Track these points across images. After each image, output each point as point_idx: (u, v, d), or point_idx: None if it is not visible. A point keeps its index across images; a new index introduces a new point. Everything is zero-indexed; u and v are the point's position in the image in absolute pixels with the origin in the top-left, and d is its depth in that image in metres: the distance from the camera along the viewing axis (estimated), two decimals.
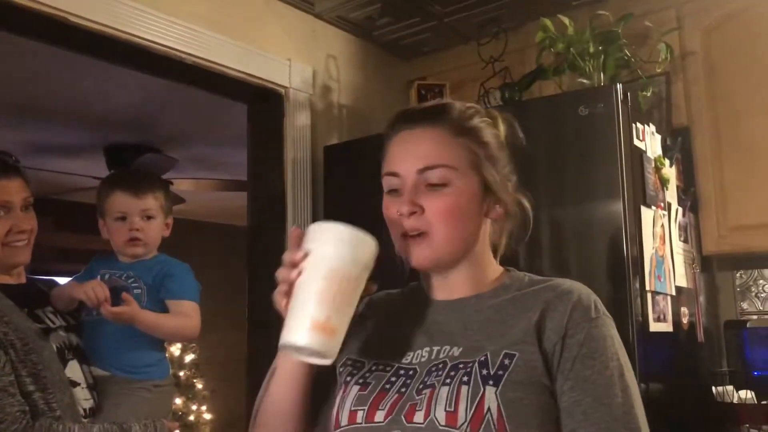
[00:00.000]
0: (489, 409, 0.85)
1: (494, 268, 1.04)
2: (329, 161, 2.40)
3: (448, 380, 0.90)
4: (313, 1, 2.47)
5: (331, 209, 2.36)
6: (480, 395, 0.86)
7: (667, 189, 2.00)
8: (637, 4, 2.24)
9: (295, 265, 0.90)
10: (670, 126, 2.22)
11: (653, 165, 1.94)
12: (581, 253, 1.87)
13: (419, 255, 0.98)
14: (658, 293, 1.86)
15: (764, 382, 2.10)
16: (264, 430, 1.03)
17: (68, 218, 4.79)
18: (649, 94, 2.07)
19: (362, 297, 0.94)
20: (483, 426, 0.85)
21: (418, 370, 0.96)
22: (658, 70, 2.17)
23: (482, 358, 0.91)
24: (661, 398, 1.83)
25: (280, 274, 0.92)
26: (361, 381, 0.97)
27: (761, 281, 2.37)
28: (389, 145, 1.02)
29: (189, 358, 5.35)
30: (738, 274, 2.40)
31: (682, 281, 2.02)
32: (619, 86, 1.83)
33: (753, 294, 2.37)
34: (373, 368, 0.99)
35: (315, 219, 2.41)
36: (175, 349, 5.17)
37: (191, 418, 5.21)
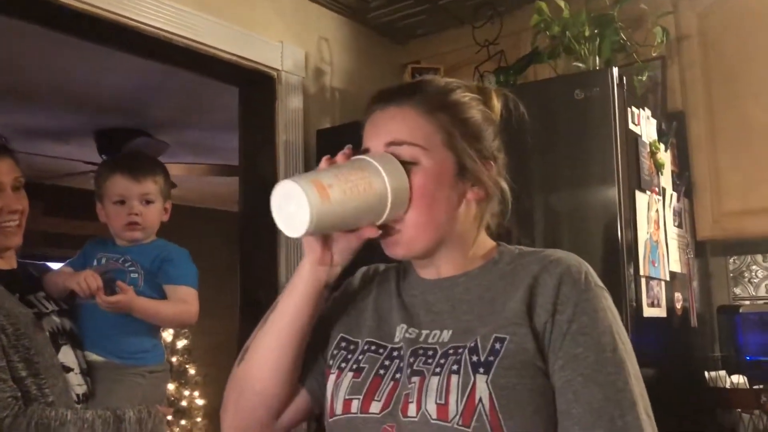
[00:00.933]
0: (480, 399, 0.83)
1: (484, 245, 1.00)
2: (322, 145, 2.37)
3: (438, 369, 0.88)
4: None
5: None
6: (471, 385, 0.84)
7: (662, 174, 1.99)
8: None
9: (347, 156, 0.93)
10: (665, 110, 2.21)
11: (648, 149, 1.93)
12: (575, 238, 1.86)
13: (391, 245, 0.95)
14: (652, 278, 1.85)
15: (756, 366, 2.10)
16: (253, 363, 0.99)
17: (59, 203, 4.75)
18: (644, 78, 2.06)
19: (359, 235, 0.92)
20: (475, 418, 0.82)
21: (403, 348, 0.93)
22: (654, 54, 2.15)
23: (472, 344, 0.88)
24: (654, 383, 1.82)
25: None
26: (355, 366, 0.95)
27: (754, 267, 2.37)
28: (364, 126, 0.99)
29: (181, 343, 5.34)
30: (731, 260, 2.41)
31: (676, 266, 2.02)
32: (614, 70, 1.82)
33: (746, 279, 2.38)
34: (366, 349, 0.97)
35: None
36: (168, 335, 5.16)
37: (184, 403, 5.21)
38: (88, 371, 1.58)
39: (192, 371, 5.33)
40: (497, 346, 0.87)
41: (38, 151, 4.29)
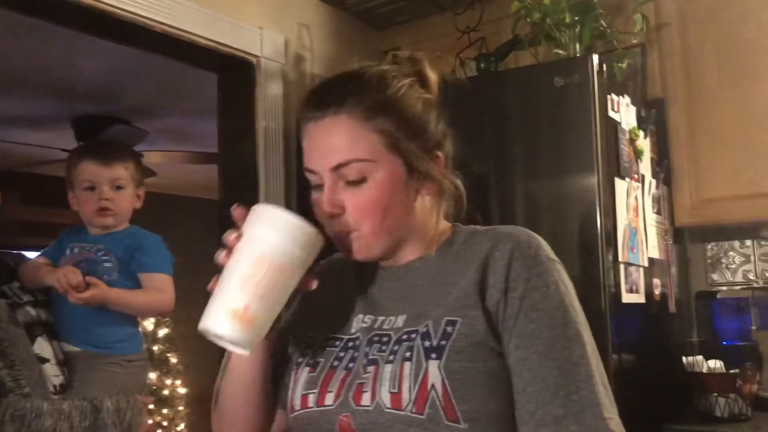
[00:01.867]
0: (433, 385, 0.82)
1: (441, 229, 0.98)
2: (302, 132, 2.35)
3: (391, 357, 0.86)
4: None
5: (303, 180, 2.33)
6: (423, 371, 0.83)
7: (641, 161, 2.00)
8: None
9: (227, 246, 0.84)
10: (645, 97, 2.22)
11: (628, 136, 1.94)
12: (555, 224, 1.87)
13: (348, 252, 0.93)
14: (631, 264, 1.87)
15: (733, 351, 2.13)
16: (225, 411, 0.99)
17: (35, 191, 4.68)
18: (624, 66, 2.06)
19: (298, 291, 0.88)
20: (428, 404, 0.81)
21: (360, 337, 0.92)
22: (634, 41, 2.16)
23: (424, 329, 0.87)
24: (632, 368, 1.85)
25: (216, 255, 0.86)
26: (311, 362, 0.94)
27: (731, 253, 2.40)
28: (302, 135, 0.94)
29: (163, 332, 5.31)
30: (709, 246, 2.43)
31: (654, 253, 2.04)
32: (594, 57, 1.82)
33: (723, 265, 2.40)
34: (322, 343, 0.96)
35: (288, 191, 2.37)
36: (149, 324, 5.13)
37: (166, 392, 5.18)
38: (66, 362, 1.57)
39: (174, 360, 5.30)
40: (449, 329, 0.86)
41: (13, 139, 4.22)
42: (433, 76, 0.97)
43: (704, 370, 2.01)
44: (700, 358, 2.06)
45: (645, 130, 2.04)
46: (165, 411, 5.17)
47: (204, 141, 4.23)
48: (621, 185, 1.85)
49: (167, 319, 5.25)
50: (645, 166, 2.03)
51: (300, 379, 0.93)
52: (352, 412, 0.86)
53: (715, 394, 1.94)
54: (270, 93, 2.38)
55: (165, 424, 5.13)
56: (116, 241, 1.70)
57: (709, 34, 2.17)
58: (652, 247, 2.02)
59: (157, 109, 3.88)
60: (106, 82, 3.46)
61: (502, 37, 2.36)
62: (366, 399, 0.86)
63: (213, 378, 1.03)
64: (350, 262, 1.03)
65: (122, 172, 1.73)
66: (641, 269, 1.93)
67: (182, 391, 5.30)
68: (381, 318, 0.93)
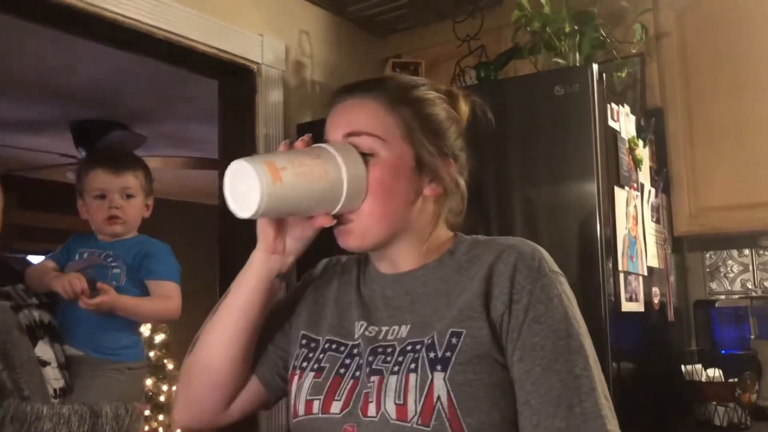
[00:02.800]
0: (439, 397, 0.83)
1: (442, 237, 0.99)
2: None
3: (396, 368, 0.87)
4: None
5: None
6: (429, 383, 0.84)
7: (640, 170, 2.01)
8: None
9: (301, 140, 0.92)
10: (644, 107, 2.23)
11: (627, 146, 1.94)
12: (554, 233, 1.87)
13: (343, 234, 0.94)
14: (630, 273, 1.87)
15: (731, 360, 2.13)
16: (199, 359, 0.99)
17: (32, 196, 4.67)
18: (623, 75, 2.07)
19: (313, 224, 0.92)
20: (434, 416, 0.82)
21: (362, 345, 0.93)
22: (633, 51, 2.17)
23: (429, 341, 0.87)
24: (631, 377, 1.85)
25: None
26: (316, 366, 0.94)
27: (730, 262, 2.40)
28: (326, 121, 0.98)
29: (159, 338, 5.29)
30: (708, 255, 2.44)
31: (653, 261, 2.04)
32: (594, 66, 1.83)
33: (722, 274, 2.41)
34: (326, 347, 0.96)
35: None
36: (145, 329, 5.11)
37: (162, 398, 5.16)
38: (67, 365, 1.57)
39: (170, 366, 5.29)
40: (453, 341, 0.86)
41: (11, 143, 4.22)
42: (464, 108, 1.02)
43: (703, 379, 2.01)
44: (699, 366, 2.06)
45: (644, 139, 2.05)
46: (161, 417, 5.15)
47: (201, 145, 4.24)
48: (620, 194, 1.86)
49: (163, 324, 5.24)
50: (644, 175, 2.04)
51: (304, 384, 0.93)
52: (359, 422, 0.86)
53: (714, 403, 1.95)
54: (270, 99, 2.38)
55: (161, 430, 5.10)
56: (125, 248, 1.72)
57: (708, 44, 2.19)
58: (651, 256, 2.03)
59: (154, 113, 3.89)
60: (105, 87, 3.47)
61: (502, 45, 2.37)
62: (372, 410, 0.86)
63: None
64: (353, 266, 1.04)
65: (132, 181, 1.75)
66: (640, 278, 1.93)
67: None
68: (384, 328, 0.94)
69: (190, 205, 5.91)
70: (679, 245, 2.33)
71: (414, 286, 0.96)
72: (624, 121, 1.94)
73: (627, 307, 1.83)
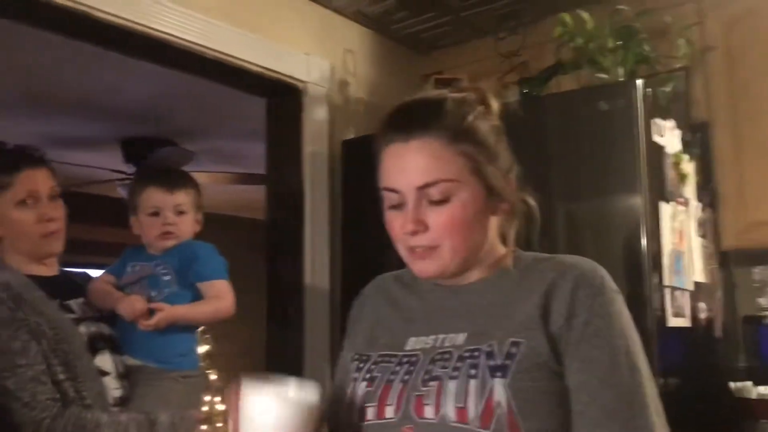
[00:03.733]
0: (499, 402, 0.86)
1: (501, 252, 1.02)
2: (347, 156, 2.41)
3: (455, 373, 0.90)
4: None
5: (348, 203, 2.38)
6: (489, 389, 0.87)
7: (686, 184, 2.00)
8: None
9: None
10: (689, 121, 2.21)
11: (672, 160, 1.93)
12: (599, 249, 1.87)
13: (425, 268, 0.97)
14: (677, 288, 1.86)
15: None
16: None
17: (80, 210, 4.79)
18: (668, 90, 2.06)
19: None
20: (494, 421, 0.85)
21: (420, 356, 0.95)
22: (678, 65, 2.16)
23: (488, 349, 0.91)
24: (678, 393, 1.83)
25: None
26: (368, 376, 0.98)
27: None
28: (383, 155, 0.98)
29: (202, 349, 5.37)
30: (756, 270, 2.39)
31: (700, 276, 2.02)
32: (639, 82, 1.83)
33: None
34: (379, 360, 0.99)
35: (332, 214, 2.41)
36: None
37: (205, 408, 5.24)
38: (126, 375, 1.63)
39: (213, 376, 5.36)
40: (513, 350, 0.90)
41: (63, 159, 4.35)
42: (495, 105, 1.03)
43: (753, 396, 1.98)
44: (749, 383, 2.03)
45: (690, 154, 2.04)
46: (204, 428, 5.22)
47: (247, 161, 4.31)
48: (666, 209, 1.85)
49: (207, 335, 5.32)
50: (690, 190, 2.03)
51: (357, 392, 0.97)
52: (416, 424, 0.90)
53: (764, 421, 1.91)
54: (316, 117, 2.43)
55: None
56: (171, 254, 1.77)
57: (755, 57, 2.17)
58: (697, 271, 2.01)
59: (202, 130, 3.98)
60: (155, 105, 3.57)
61: (544, 61, 2.37)
62: (429, 412, 0.89)
63: None
64: (405, 279, 1.07)
65: (184, 198, 1.80)
66: (687, 293, 1.92)
67: (221, 408, 5.35)
68: (441, 336, 0.97)
69: (233, 218, 6.01)
70: (726, 260, 2.29)
71: (473, 297, 0.99)
72: (669, 136, 1.94)
73: (673, 322, 1.82)
